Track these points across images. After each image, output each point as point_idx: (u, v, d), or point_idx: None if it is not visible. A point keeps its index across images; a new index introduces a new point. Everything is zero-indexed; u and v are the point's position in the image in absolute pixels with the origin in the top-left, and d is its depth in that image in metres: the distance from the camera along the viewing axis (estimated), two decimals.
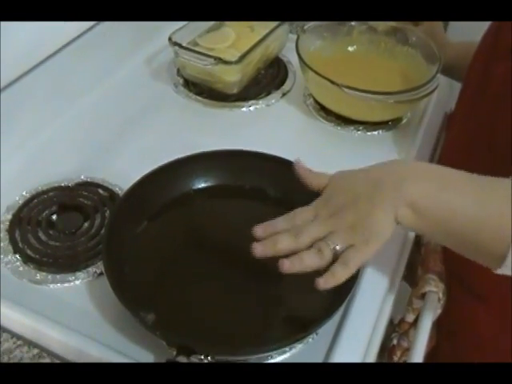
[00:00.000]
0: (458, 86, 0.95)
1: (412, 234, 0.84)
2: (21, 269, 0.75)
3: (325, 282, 0.64)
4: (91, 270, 0.75)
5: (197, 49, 1.03)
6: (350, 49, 1.11)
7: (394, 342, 0.82)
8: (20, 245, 0.77)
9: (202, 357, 0.63)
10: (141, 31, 1.09)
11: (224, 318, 0.70)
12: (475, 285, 0.84)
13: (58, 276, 0.74)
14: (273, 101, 1.05)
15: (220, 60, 0.98)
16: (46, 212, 0.81)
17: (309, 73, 0.99)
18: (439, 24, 1.09)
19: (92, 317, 0.71)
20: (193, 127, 0.99)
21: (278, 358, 0.69)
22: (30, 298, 0.72)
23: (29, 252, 0.76)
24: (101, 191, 0.84)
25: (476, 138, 0.83)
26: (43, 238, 0.78)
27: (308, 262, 0.64)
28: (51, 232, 0.79)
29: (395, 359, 0.82)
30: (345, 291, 0.70)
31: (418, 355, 0.72)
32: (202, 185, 0.84)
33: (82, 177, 0.86)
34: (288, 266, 0.64)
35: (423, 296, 0.79)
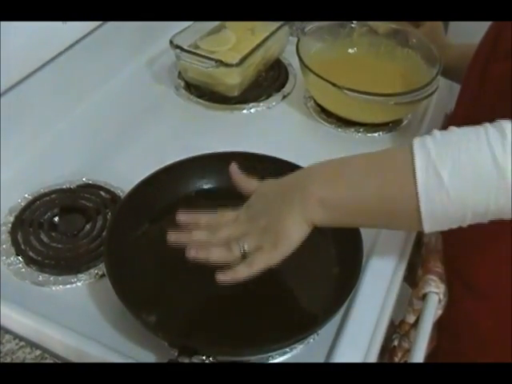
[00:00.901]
0: (457, 88, 0.95)
1: (413, 235, 0.84)
2: (23, 270, 0.75)
3: (224, 276, 0.66)
4: (93, 271, 0.75)
5: (198, 51, 1.03)
6: (351, 51, 1.11)
7: (395, 342, 0.83)
8: (22, 247, 0.78)
9: (204, 357, 0.63)
10: (142, 34, 1.10)
11: (225, 319, 0.71)
12: (476, 284, 0.84)
13: (59, 278, 0.75)
14: (273, 103, 1.06)
15: (221, 62, 0.98)
16: (48, 214, 0.81)
17: (309, 75, 1.00)
18: (439, 26, 1.09)
19: (94, 318, 0.71)
20: (194, 130, 1.00)
21: (279, 359, 0.69)
22: (32, 299, 0.72)
23: (31, 254, 0.77)
24: (102, 193, 0.85)
25: None
26: (45, 239, 0.79)
27: (214, 254, 0.67)
28: (53, 234, 0.80)
29: (396, 360, 0.82)
30: (345, 292, 0.70)
31: (418, 356, 0.72)
32: (203, 187, 0.85)
33: (84, 179, 0.87)
34: (193, 254, 0.67)
35: (424, 297, 0.79)
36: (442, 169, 0.60)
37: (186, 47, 1.02)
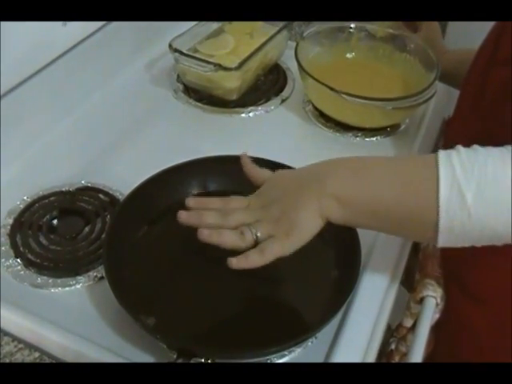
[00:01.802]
0: (455, 92, 0.96)
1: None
2: (22, 273, 0.75)
3: (237, 263, 0.66)
4: (92, 274, 0.76)
5: (197, 55, 1.03)
6: (349, 55, 1.12)
7: (392, 346, 0.83)
8: (21, 249, 0.78)
9: (203, 360, 0.63)
10: (141, 37, 1.10)
11: (224, 322, 0.71)
12: (474, 288, 0.84)
13: (58, 280, 0.75)
14: (272, 107, 1.06)
15: (220, 66, 0.99)
16: (47, 216, 0.82)
17: (308, 79, 1.00)
18: (437, 31, 1.09)
19: (93, 321, 0.71)
20: (192, 133, 1.00)
21: (278, 362, 0.69)
22: (30, 301, 0.72)
23: (30, 256, 0.77)
24: (101, 196, 0.85)
25: (474, 143, 0.83)
26: (44, 242, 0.79)
27: (226, 238, 0.67)
28: (52, 236, 0.80)
29: None
30: (344, 295, 0.70)
31: (415, 360, 0.72)
32: (202, 190, 0.85)
33: (83, 182, 0.87)
34: (206, 235, 0.67)
35: (421, 301, 0.79)
36: (467, 190, 0.60)
37: (184, 51, 1.02)
